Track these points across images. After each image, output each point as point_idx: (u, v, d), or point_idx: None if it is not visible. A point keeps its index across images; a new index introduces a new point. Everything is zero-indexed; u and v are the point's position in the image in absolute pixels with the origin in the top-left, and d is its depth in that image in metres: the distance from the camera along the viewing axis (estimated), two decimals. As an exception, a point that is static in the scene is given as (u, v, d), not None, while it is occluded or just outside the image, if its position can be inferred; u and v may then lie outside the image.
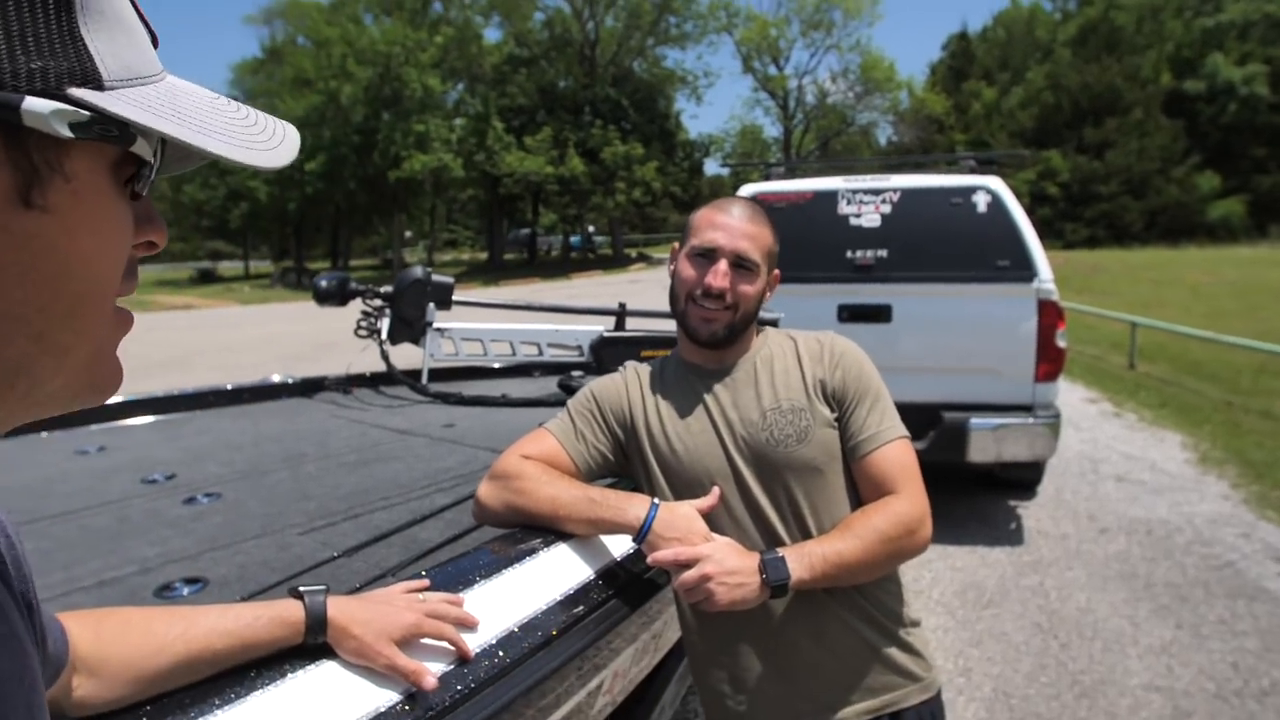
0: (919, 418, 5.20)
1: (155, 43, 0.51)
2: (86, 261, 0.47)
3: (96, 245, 0.47)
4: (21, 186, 0.43)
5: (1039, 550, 5.08)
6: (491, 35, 48.52)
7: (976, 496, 5.99)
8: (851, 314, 5.29)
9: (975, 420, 5.01)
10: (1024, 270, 5.01)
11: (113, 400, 2.65)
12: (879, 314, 5.26)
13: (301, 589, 1.01)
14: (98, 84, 0.44)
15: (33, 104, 0.41)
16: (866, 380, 1.63)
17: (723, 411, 1.62)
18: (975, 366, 5.14)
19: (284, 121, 0.56)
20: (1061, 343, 5.05)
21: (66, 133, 0.42)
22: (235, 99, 0.55)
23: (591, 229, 53.97)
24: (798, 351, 1.67)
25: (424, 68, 41.70)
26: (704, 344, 1.64)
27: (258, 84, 53.49)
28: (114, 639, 0.86)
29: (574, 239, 53.74)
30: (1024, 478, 5.99)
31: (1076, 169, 42.37)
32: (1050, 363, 5.03)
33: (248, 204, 49.27)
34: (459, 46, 44.50)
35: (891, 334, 5.25)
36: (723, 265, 1.58)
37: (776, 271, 1.69)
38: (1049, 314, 4.98)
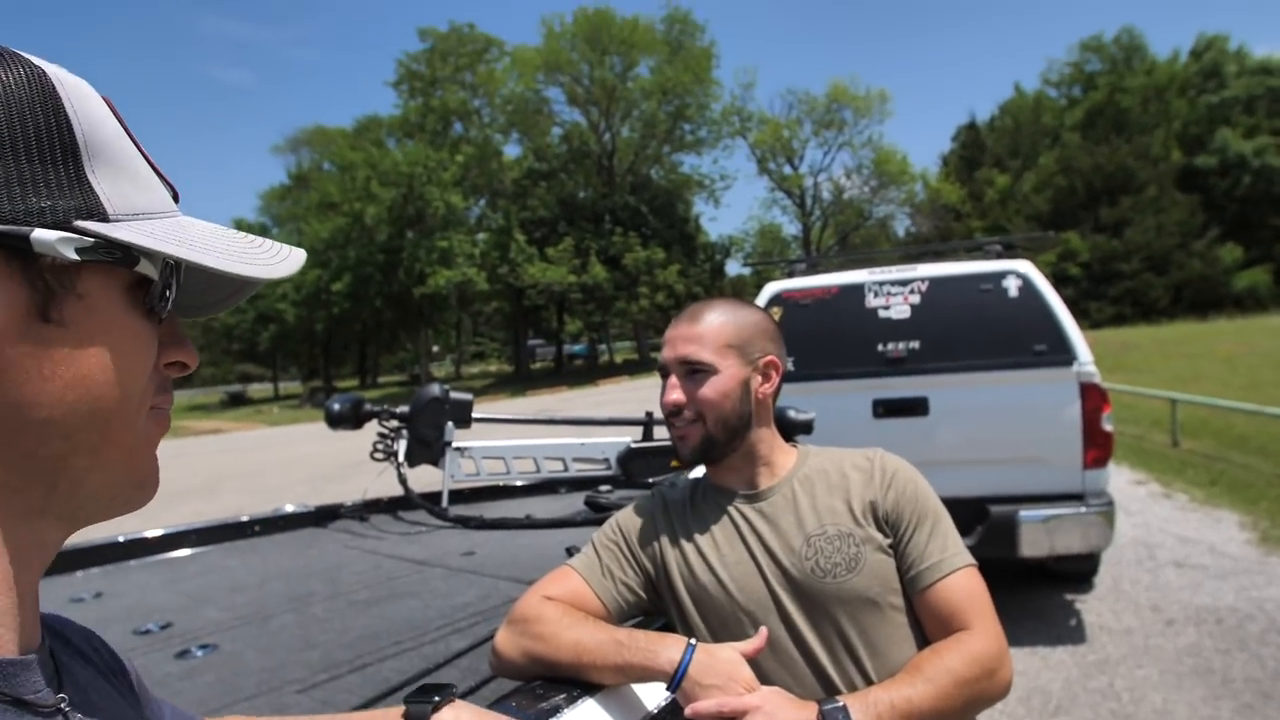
0: (964, 512, 4.98)
1: (176, 196, 0.61)
2: (104, 369, 0.54)
3: (113, 355, 0.55)
4: (40, 304, 0.52)
5: (1104, 648, 4.78)
6: (511, 151, 50.02)
7: (1030, 592, 5.70)
8: (887, 409, 5.15)
9: (1024, 513, 4.80)
10: (1062, 354, 4.87)
11: (113, 540, 2.57)
12: (915, 407, 5.11)
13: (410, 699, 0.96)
14: (103, 217, 0.53)
15: (41, 234, 0.50)
16: (924, 501, 1.47)
17: (761, 539, 1.47)
18: (1020, 456, 4.95)
19: (292, 246, 0.64)
20: (1108, 426, 4.86)
21: (73, 256, 0.51)
22: (264, 226, 0.53)
23: (595, 335, 54.49)
24: (843, 470, 1.51)
25: (446, 186, 42.92)
26: (691, 463, 1.54)
27: (285, 210, 55.25)
28: None
29: (576, 348, 54.32)
30: (1079, 569, 5.73)
31: (1096, 248, 42.44)
32: (1098, 448, 4.83)
33: (276, 326, 50.30)
34: (479, 164, 45.84)
35: (929, 427, 5.09)
36: (671, 380, 1.51)
37: (769, 358, 1.54)
38: (1093, 397, 4.81)
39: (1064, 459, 4.87)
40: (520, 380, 45.82)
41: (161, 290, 0.58)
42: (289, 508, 3.13)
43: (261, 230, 43.77)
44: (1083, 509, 4.82)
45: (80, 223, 0.52)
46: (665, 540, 1.54)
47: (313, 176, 53.97)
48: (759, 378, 1.53)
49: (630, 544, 1.55)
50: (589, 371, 47.90)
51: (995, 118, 59.78)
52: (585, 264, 42.13)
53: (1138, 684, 4.30)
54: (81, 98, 0.55)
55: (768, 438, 1.56)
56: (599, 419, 3.78)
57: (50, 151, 0.52)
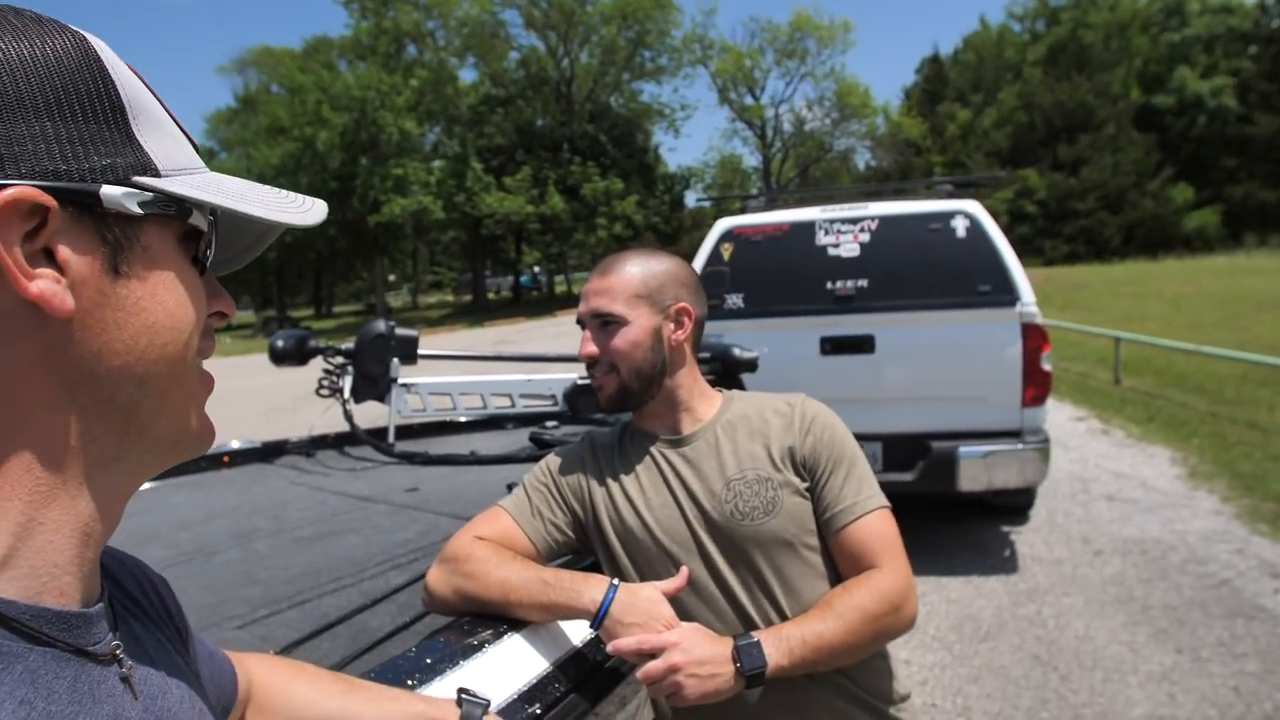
0: (906, 448, 5.12)
1: (195, 145, 0.64)
2: (170, 315, 0.58)
3: (176, 302, 0.59)
4: (110, 259, 0.56)
5: (1034, 577, 4.99)
6: (467, 76, 48.82)
7: (968, 524, 5.90)
8: (834, 345, 5.23)
9: (964, 448, 4.94)
10: (1006, 294, 4.96)
11: None
12: (862, 345, 5.19)
13: (463, 694, 1.02)
14: (155, 173, 0.57)
15: (108, 190, 0.54)
16: (840, 446, 1.52)
17: (684, 483, 1.52)
18: (961, 394, 5.07)
19: (312, 198, 0.69)
20: (1047, 366, 4.99)
21: (137, 210, 0.55)
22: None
23: (536, 269, 54.46)
24: (764, 416, 1.56)
25: (400, 111, 41.80)
26: (609, 411, 1.61)
27: (233, 133, 53.65)
28: (285, 684, 0.94)
29: (523, 279, 54.20)
30: (1015, 503, 5.92)
31: (1053, 186, 42.74)
32: (1037, 387, 4.97)
33: (229, 254, 49.13)
34: (434, 89, 44.66)
35: (875, 364, 5.18)
36: (585, 333, 1.56)
37: (680, 304, 1.56)
38: (1033, 337, 4.93)
39: (1004, 397, 5.00)
40: (478, 311, 45.52)
41: (210, 241, 0.62)
42: (234, 443, 3.13)
43: (209, 155, 42.59)
44: (1020, 445, 4.98)
45: (138, 178, 0.56)
46: (593, 482, 1.58)
47: (261, 99, 52.21)
48: (671, 325, 1.56)
49: (560, 486, 1.59)
50: (547, 302, 47.66)
51: (959, 51, 59.46)
52: (543, 194, 41.58)
53: (1063, 611, 4.51)
54: (114, 61, 0.57)
55: (687, 383, 1.59)
56: (547, 355, 3.81)
57: (103, 113, 0.55)
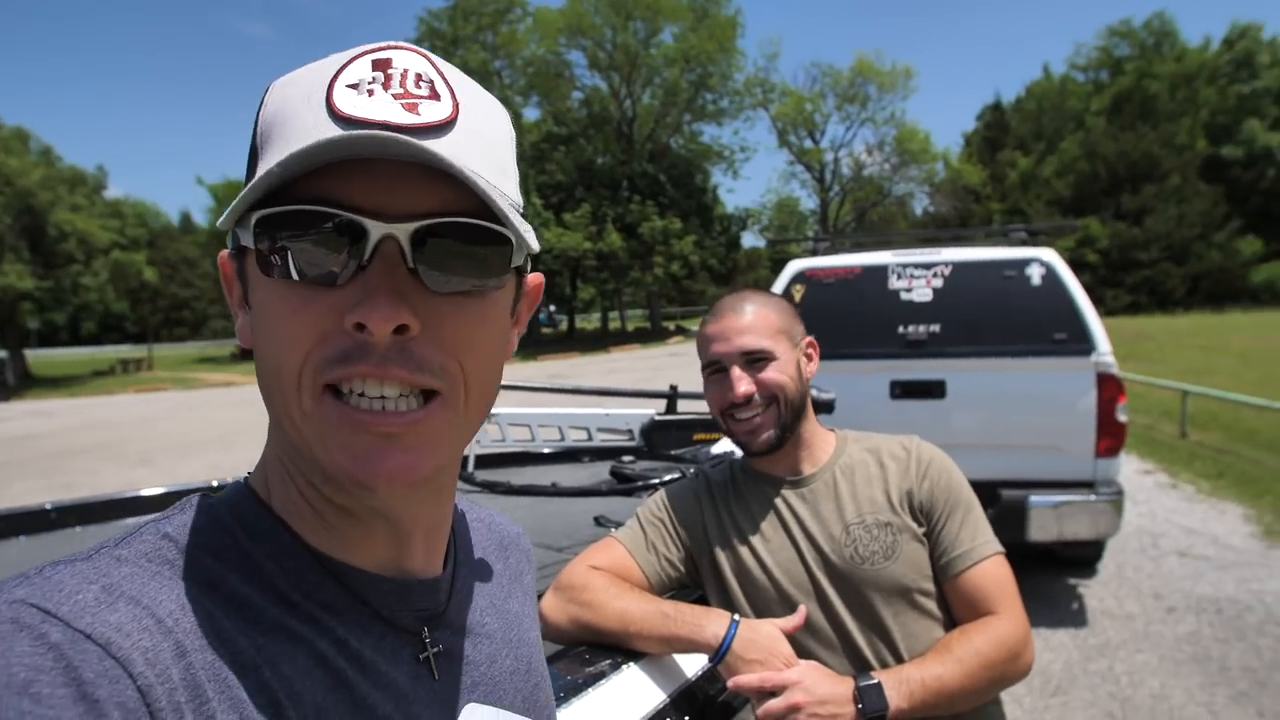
0: (977, 495, 5.07)
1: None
2: (263, 339, 0.59)
3: (272, 325, 0.58)
4: (244, 294, 0.61)
5: (1105, 632, 4.89)
6: (530, 114, 49.67)
7: (1035, 575, 5.80)
8: (905, 390, 5.22)
9: (1035, 498, 4.88)
10: (1082, 343, 4.92)
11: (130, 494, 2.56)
12: (933, 390, 5.17)
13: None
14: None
15: (242, 235, 0.57)
16: (957, 491, 1.53)
17: (802, 525, 1.54)
18: (1034, 443, 5.02)
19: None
20: (1123, 417, 4.93)
21: (250, 244, 0.57)
22: None
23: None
24: (880, 459, 1.57)
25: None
26: (765, 453, 1.55)
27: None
28: None
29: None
30: (1084, 555, 5.81)
31: (1115, 236, 42.05)
32: (1111, 437, 4.90)
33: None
34: (499, 126, 45.37)
35: (946, 410, 5.16)
36: (735, 372, 1.51)
37: (808, 338, 1.60)
38: (1109, 388, 4.87)
39: (1077, 447, 4.94)
40: (531, 344, 45.90)
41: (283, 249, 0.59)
42: None
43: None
44: (1093, 496, 4.90)
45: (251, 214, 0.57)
46: (709, 521, 1.60)
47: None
48: (804, 359, 1.59)
49: (674, 522, 1.61)
50: (600, 338, 47.90)
51: (1020, 99, 59.07)
52: (601, 231, 42.01)
53: (1137, 668, 4.41)
54: (276, 90, 0.60)
55: (811, 421, 1.62)
56: (624, 390, 3.86)
57: (249, 162, 0.60)
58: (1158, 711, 3.96)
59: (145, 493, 2.58)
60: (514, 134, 0.64)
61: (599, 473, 3.27)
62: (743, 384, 1.50)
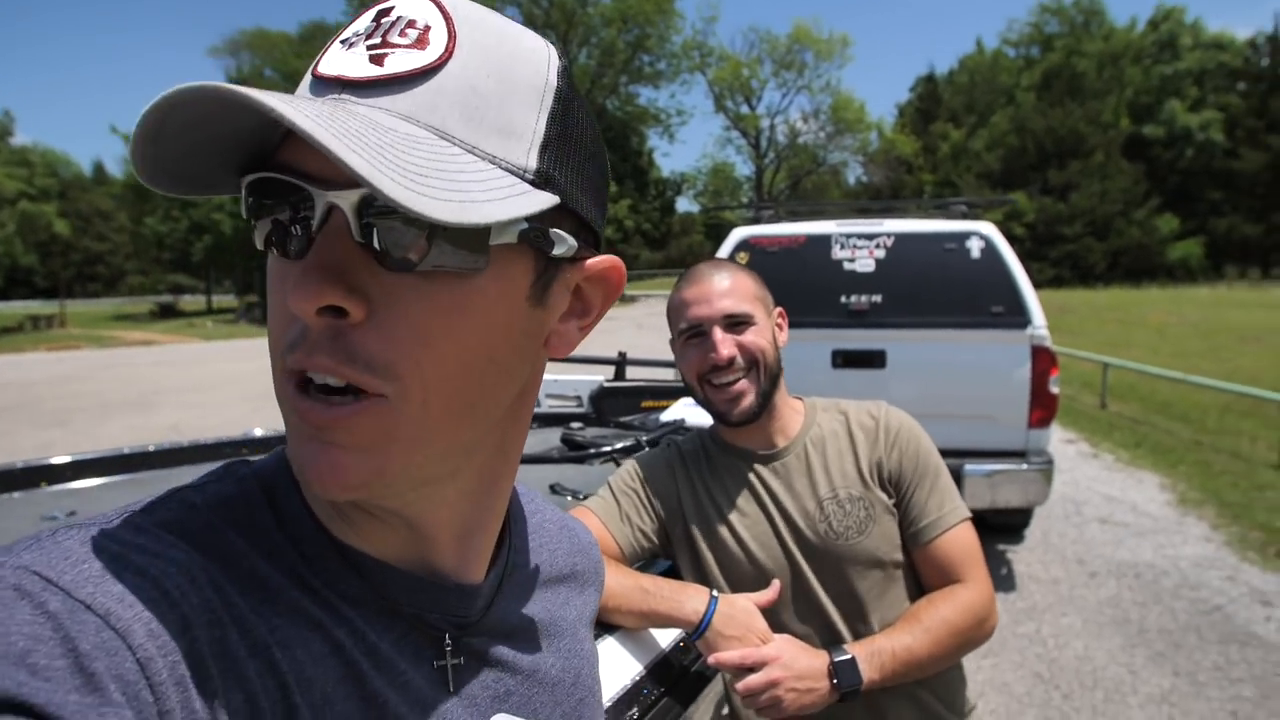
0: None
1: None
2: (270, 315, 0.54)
3: (269, 299, 0.53)
4: None
5: (1032, 596, 5.06)
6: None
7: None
8: (845, 359, 5.28)
9: (969, 466, 4.99)
10: (1018, 316, 5.03)
11: (97, 455, 2.43)
12: (873, 359, 5.24)
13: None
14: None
15: None
16: (925, 458, 1.53)
17: (776, 501, 1.53)
18: (969, 413, 5.13)
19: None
20: (1054, 389, 5.06)
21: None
22: None
23: None
24: (849, 429, 1.57)
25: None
26: (743, 422, 1.52)
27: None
28: None
29: None
30: (1013, 522, 5.99)
31: (1042, 210, 43.18)
32: (1044, 409, 5.04)
33: (211, 237, 48.42)
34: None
35: (885, 380, 5.23)
36: (717, 334, 1.47)
37: (778, 309, 1.58)
38: (1043, 361, 5.00)
39: (1011, 417, 5.07)
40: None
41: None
42: (258, 431, 3.09)
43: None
44: (1024, 466, 5.04)
45: None
46: (684, 493, 1.59)
47: (253, 83, 51.84)
48: (776, 328, 1.57)
49: (649, 493, 1.59)
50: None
51: (954, 72, 60.01)
52: (535, 193, 41.64)
53: (1062, 631, 4.58)
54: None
55: (783, 392, 1.60)
56: (573, 356, 3.83)
57: None
58: (1082, 672, 4.12)
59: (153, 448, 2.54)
60: (554, 82, 0.55)
61: (549, 439, 3.25)
62: (725, 346, 1.46)
